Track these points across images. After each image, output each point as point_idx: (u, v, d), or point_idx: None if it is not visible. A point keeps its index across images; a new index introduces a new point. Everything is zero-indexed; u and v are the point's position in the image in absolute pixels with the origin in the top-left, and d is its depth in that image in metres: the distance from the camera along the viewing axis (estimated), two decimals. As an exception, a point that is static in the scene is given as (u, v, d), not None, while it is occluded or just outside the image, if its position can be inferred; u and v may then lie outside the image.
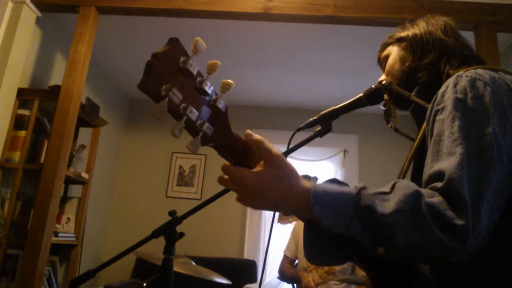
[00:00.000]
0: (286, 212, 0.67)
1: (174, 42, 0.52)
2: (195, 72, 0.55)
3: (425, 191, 0.63)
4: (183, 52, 0.53)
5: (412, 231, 0.58)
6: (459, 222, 0.58)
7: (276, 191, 0.62)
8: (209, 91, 0.57)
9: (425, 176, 0.67)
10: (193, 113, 0.54)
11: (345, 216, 0.60)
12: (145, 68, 0.49)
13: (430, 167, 0.67)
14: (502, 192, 0.64)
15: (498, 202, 0.63)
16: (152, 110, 0.50)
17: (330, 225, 0.61)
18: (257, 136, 0.63)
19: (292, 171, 0.64)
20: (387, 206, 0.60)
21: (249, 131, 0.63)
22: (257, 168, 0.63)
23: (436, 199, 0.61)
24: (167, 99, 0.51)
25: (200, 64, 0.56)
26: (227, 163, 0.64)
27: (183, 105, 0.53)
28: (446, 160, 0.64)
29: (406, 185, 0.62)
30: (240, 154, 0.63)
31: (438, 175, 0.64)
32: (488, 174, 0.63)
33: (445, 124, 0.69)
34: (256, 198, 0.64)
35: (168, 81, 0.51)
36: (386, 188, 0.64)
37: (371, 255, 0.65)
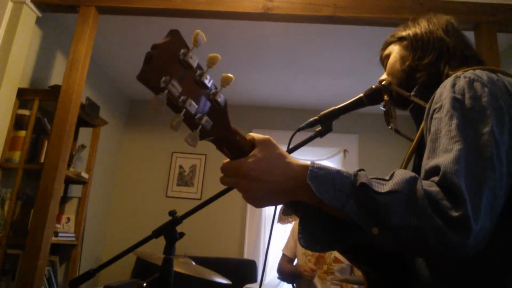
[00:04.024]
0: (285, 198, 0.67)
1: (174, 34, 0.51)
2: (195, 65, 0.54)
3: (423, 180, 0.63)
4: (183, 44, 0.53)
5: (407, 213, 0.58)
6: (454, 213, 0.58)
7: (275, 170, 0.63)
8: (209, 85, 0.57)
9: (421, 174, 0.67)
10: (192, 106, 0.54)
11: (342, 193, 0.61)
12: (144, 59, 0.48)
13: (426, 164, 0.67)
14: (501, 190, 0.64)
15: (497, 199, 0.63)
16: (152, 103, 0.49)
17: (325, 199, 0.60)
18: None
19: (284, 151, 0.66)
20: (384, 186, 0.61)
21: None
22: (253, 152, 0.64)
23: (434, 188, 0.61)
24: (166, 91, 0.50)
25: (200, 60, 0.56)
26: (225, 161, 0.65)
27: (182, 97, 0.53)
28: (442, 156, 0.64)
29: (404, 172, 0.63)
30: (238, 148, 0.63)
31: (434, 170, 0.64)
32: (486, 171, 0.62)
33: (443, 122, 0.69)
34: (257, 186, 0.63)
35: (167, 73, 0.50)
36: (386, 177, 0.64)
37: (368, 244, 0.65)
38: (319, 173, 0.62)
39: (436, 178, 0.62)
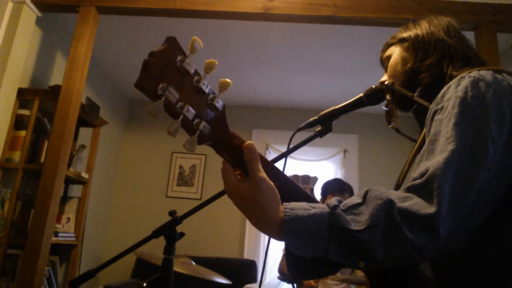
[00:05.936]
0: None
1: (171, 41, 0.52)
2: (192, 71, 0.55)
3: (398, 195, 0.62)
4: (180, 51, 0.53)
5: (389, 244, 0.58)
6: (429, 210, 0.58)
7: (251, 210, 0.63)
8: (206, 90, 0.57)
9: (415, 173, 0.66)
10: (190, 112, 0.54)
11: (321, 240, 0.59)
12: (142, 66, 0.49)
13: (423, 165, 0.66)
14: (492, 191, 0.63)
15: (484, 201, 0.63)
16: (148, 108, 0.50)
17: (305, 254, 0.60)
18: (254, 153, 0.62)
19: (272, 198, 0.63)
20: (361, 221, 0.59)
21: (251, 143, 0.63)
22: (242, 182, 0.63)
23: (408, 202, 0.60)
24: (163, 98, 0.51)
25: (198, 64, 0.56)
26: (224, 168, 0.65)
27: (179, 104, 0.53)
28: (438, 156, 0.64)
29: (378, 194, 0.61)
30: (237, 152, 0.63)
31: (423, 172, 0.63)
32: (477, 172, 0.62)
33: (443, 123, 0.68)
34: (235, 204, 0.65)
35: (165, 80, 0.51)
36: (358, 198, 0.63)
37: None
38: (294, 228, 0.60)
39: (418, 181, 0.62)
